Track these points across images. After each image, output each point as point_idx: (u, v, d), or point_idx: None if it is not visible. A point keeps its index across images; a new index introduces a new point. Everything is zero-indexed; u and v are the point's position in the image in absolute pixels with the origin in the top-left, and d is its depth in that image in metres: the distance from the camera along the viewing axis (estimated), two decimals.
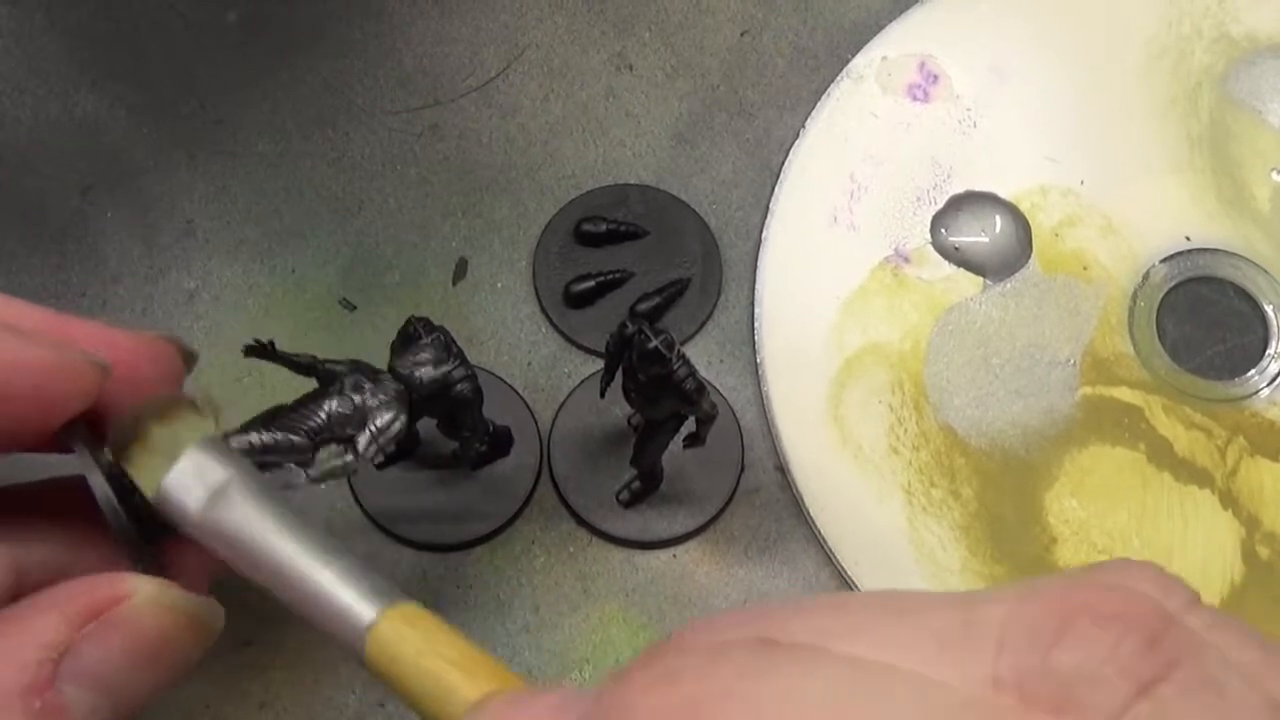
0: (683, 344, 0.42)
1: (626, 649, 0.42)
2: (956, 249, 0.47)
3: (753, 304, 0.46)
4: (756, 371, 0.45)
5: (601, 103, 0.49)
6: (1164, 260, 0.47)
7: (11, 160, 0.47)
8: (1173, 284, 0.47)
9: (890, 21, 0.50)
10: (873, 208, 0.47)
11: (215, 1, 0.50)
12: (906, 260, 0.47)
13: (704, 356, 0.46)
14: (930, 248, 0.47)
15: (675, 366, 0.37)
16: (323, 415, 0.34)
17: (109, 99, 0.48)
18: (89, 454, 0.29)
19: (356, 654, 0.26)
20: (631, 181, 0.48)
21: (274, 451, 0.33)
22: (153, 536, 0.30)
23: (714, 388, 0.44)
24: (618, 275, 0.46)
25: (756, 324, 0.46)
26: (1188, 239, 0.47)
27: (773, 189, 0.48)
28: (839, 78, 0.49)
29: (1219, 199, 0.48)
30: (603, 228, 0.46)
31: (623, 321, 0.38)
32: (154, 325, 0.45)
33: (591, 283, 0.46)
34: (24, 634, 0.26)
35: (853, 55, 0.49)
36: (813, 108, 0.49)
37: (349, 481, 0.43)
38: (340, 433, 0.34)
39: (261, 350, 0.36)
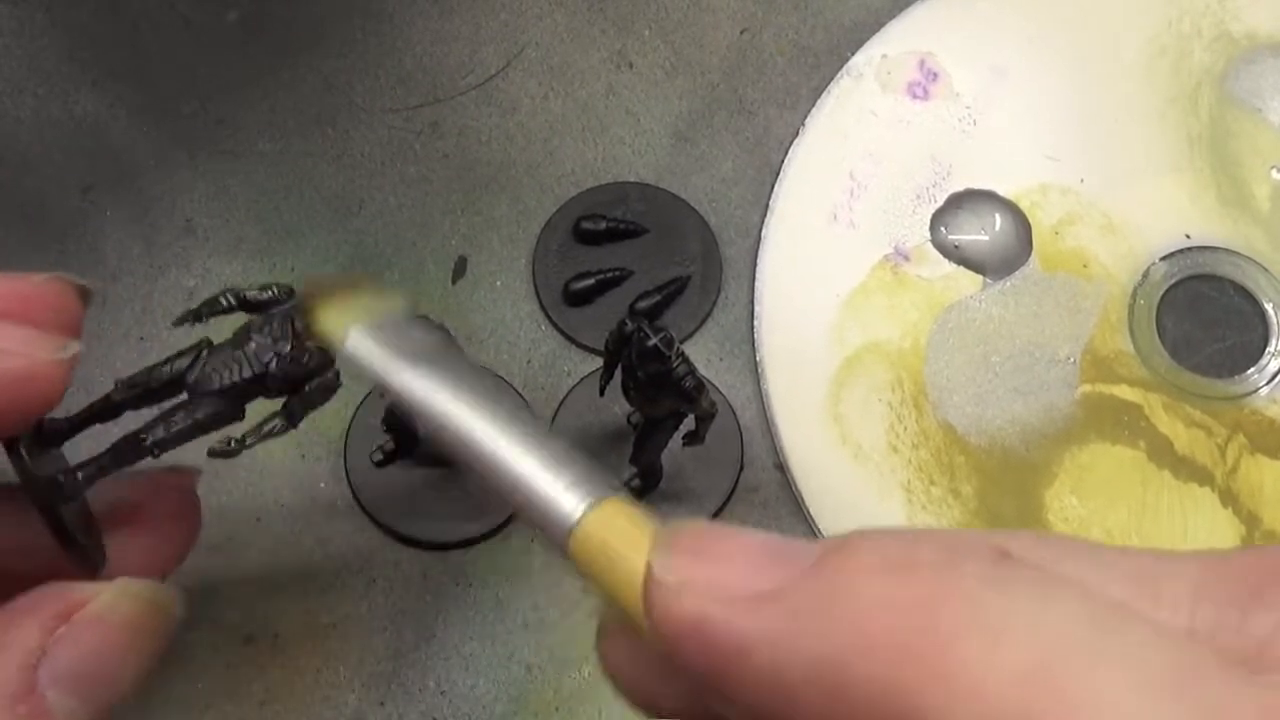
0: (682, 342, 0.42)
1: None
2: (956, 247, 0.47)
3: (752, 302, 0.46)
4: (756, 370, 0.45)
5: (601, 101, 0.49)
6: (1164, 258, 0.47)
7: (12, 159, 0.47)
8: (1172, 282, 0.47)
9: (890, 20, 0.50)
10: (872, 206, 0.47)
11: (216, 1, 0.50)
12: (906, 258, 0.47)
13: (703, 354, 0.46)
14: (930, 246, 0.47)
15: (674, 364, 0.37)
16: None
17: (109, 98, 0.48)
18: (22, 460, 0.29)
19: (560, 546, 0.24)
20: (631, 179, 0.48)
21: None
22: (84, 539, 0.30)
23: (713, 386, 0.44)
24: (617, 273, 0.46)
25: (756, 322, 0.46)
26: (1187, 237, 0.47)
27: (772, 187, 0.48)
28: (838, 75, 0.49)
29: (1219, 197, 0.48)
30: (602, 226, 0.46)
31: (622, 319, 0.38)
32: (154, 323, 0.45)
33: (591, 281, 0.46)
34: (3, 644, 0.27)
35: (853, 53, 0.49)
36: (812, 105, 0.49)
37: (348, 479, 0.43)
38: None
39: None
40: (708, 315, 0.46)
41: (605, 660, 0.24)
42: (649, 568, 0.21)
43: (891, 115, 0.48)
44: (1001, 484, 0.44)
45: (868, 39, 0.50)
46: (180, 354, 0.31)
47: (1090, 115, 0.49)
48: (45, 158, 0.47)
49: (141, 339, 0.45)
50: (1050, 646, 0.17)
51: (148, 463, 0.31)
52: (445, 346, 0.27)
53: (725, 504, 0.44)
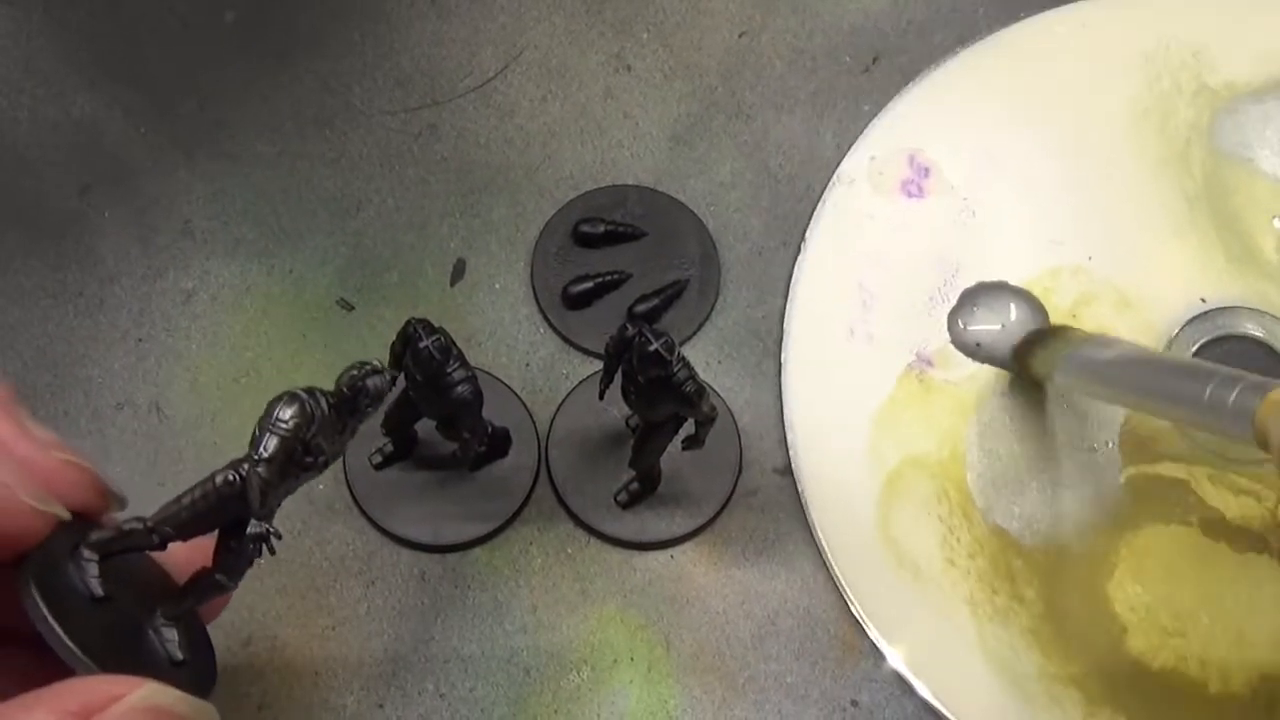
0: (681, 345, 0.42)
1: (625, 650, 0.42)
2: (978, 345, 0.46)
3: (783, 426, 0.45)
4: (804, 513, 0.44)
5: (600, 104, 0.49)
6: (1184, 325, 0.46)
7: (9, 160, 0.47)
8: (1197, 347, 0.46)
9: (873, 120, 0.49)
10: (887, 315, 0.46)
11: (213, 2, 0.50)
12: (930, 364, 0.46)
13: (702, 358, 0.46)
14: (951, 347, 0.46)
15: (676, 369, 0.37)
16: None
17: (107, 99, 0.48)
18: (38, 601, 0.28)
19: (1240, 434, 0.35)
20: (630, 182, 0.48)
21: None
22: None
23: (712, 389, 0.44)
24: (616, 276, 0.46)
25: (791, 452, 0.45)
26: (1203, 300, 0.46)
27: (784, 304, 0.47)
28: (830, 184, 0.48)
29: (1227, 256, 0.47)
30: (601, 229, 0.47)
31: (623, 324, 0.38)
32: (151, 325, 0.45)
33: (590, 284, 0.46)
34: None
35: (850, 57, 0.49)
36: (810, 110, 0.48)
37: (347, 481, 0.43)
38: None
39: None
40: (706, 318, 0.46)
41: None
42: None
43: (889, 218, 0.47)
44: (1063, 582, 0.43)
45: (866, 43, 0.49)
46: (209, 484, 0.31)
47: (1086, 189, 0.48)
48: (42, 159, 0.47)
49: (140, 340, 0.45)
50: None
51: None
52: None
53: (724, 507, 0.44)
